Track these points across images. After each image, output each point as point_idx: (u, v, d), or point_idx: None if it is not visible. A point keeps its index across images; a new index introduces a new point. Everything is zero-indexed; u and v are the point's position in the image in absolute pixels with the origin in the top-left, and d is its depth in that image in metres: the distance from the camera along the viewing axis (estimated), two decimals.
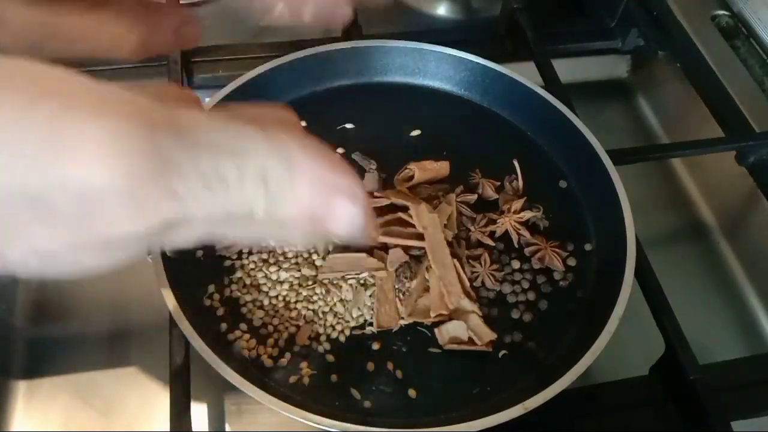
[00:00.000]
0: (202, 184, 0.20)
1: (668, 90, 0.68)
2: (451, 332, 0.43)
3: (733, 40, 0.70)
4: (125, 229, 0.20)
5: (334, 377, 0.42)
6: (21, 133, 0.18)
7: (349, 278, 0.45)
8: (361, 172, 0.51)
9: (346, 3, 0.36)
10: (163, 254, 0.42)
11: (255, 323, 0.44)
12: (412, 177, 0.50)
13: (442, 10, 0.73)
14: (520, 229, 0.48)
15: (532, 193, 0.51)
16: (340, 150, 0.52)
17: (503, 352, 0.43)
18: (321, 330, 0.44)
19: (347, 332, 0.44)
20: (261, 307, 0.44)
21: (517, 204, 0.49)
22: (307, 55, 0.54)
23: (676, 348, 0.43)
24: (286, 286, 0.45)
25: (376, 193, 0.49)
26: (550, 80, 0.58)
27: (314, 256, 0.46)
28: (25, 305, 0.50)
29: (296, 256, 0.46)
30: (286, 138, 0.22)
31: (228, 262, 0.46)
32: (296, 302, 0.44)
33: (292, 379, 0.41)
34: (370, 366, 0.42)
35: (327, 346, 0.43)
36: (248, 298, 0.45)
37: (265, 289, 0.45)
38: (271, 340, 0.43)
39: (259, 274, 0.45)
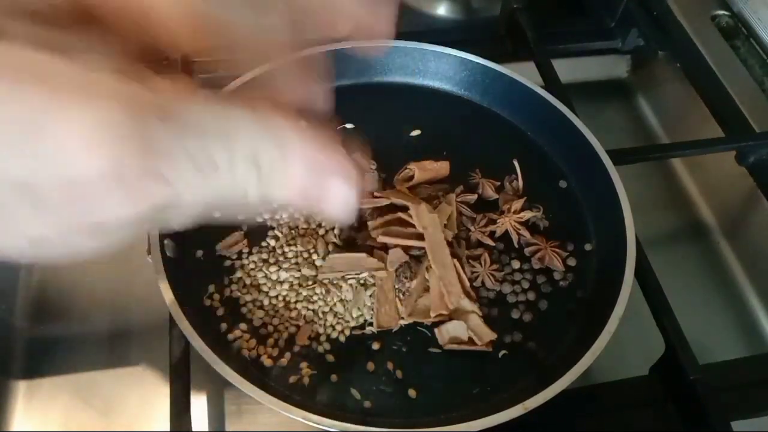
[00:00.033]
0: (192, 168, 0.20)
1: (668, 90, 0.68)
2: (451, 332, 0.43)
3: (733, 40, 0.70)
4: (115, 215, 0.20)
5: (334, 377, 0.42)
6: (4, 119, 0.17)
7: (349, 278, 0.45)
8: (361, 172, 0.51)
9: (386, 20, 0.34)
10: (163, 254, 0.42)
11: (255, 323, 0.44)
12: (412, 177, 0.50)
13: (442, 10, 0.73)
14: (520, 229, 0.48)
15: (532, 193, 0.51)
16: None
17: (503, 352, 0.43)
18: (321, 330, 0.44)
19: (347, 332, 0.44)
20: (261, 307, 0.44)
21: (517, 204, 0.49)
22: (306, 55, 0.54)
23: (676, 348, 0.43)
24: (286, 286, 0.45)
25: (376, 193, 0.49)
26: (550, 80, 0.59)
27: (314, 256, 0.46)
28: (25, 305, 0.50)
29: (296, 256, 0.46)
30: (278, 119, 0.22)
31: (228, 262, 0.46)
32: (296, 302, 0.44)
33: (292, 379, 0.41)
34: (370, 366, 0.42)
35: (327, 346, 0.43)
36: (248, 298, 0.45)
37: (265, 289, 0.45)
38: (271, 340, 0.43)
39: (259, 274, 0.45)
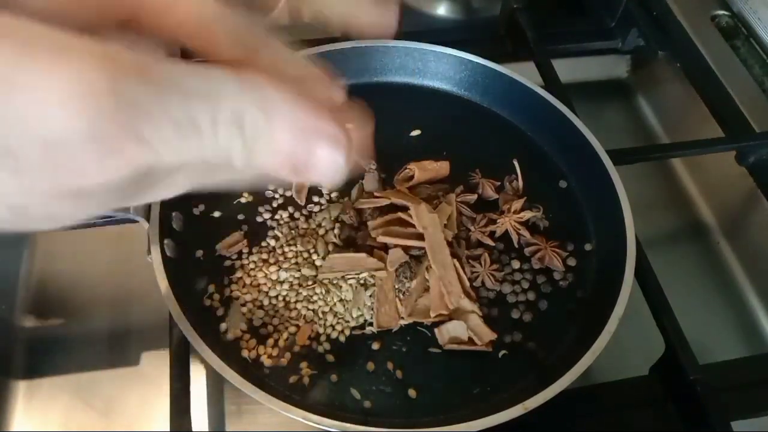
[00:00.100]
0: (173, 130, 0.19)
1: (668, 90, 0.68)
2: (451, 332, 0.43)
3: (733, 40, 0.70)
4: (96, 178, 0.19)
5: (334, 377, 0.42)
6: None
7: (349, 278, 0.45)
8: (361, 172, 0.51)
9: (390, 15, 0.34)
10: (163, 254, 0.42)
11: (255, 323, 0.44)
12: (412, 177, 0.50)
13: (442, 10, 0.73)
14: (520, 229, 0.48)
15: (532, 193, 0.51)
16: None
17: (503, 352, 0.43)
18: (321, 330, 0.44)
19: (347, 332, 0.44)
20: (261, 307, 0.44)
21: (517, 204, 0.49)
22: (307, 55, 0.54)
23: (676, 348, 0.43)
24: (286, 286, 0.45)
25: (376, 193, 0.49)
26: (550, 80, 0.59)
27: (314, 256, 0.46)
28: (25, 305, 0.50)
29: (296, 256, 0.46)
30: (262, 81, 0.21)
31: (228, 262, 0.46)
32: (296, 302, 0.44)
33: (292, 379, 0.41)
34: (370, 366, 0.42)
35: (327, 346, 0.43)
36: (248, 298, 0.45)
37: (265, 289, 0.45)
38: (271, 340, 0.43)
39: (259, 274, 0.45)
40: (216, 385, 0.46)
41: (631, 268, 0.43)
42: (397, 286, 0.45)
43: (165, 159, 0.19)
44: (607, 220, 0.48)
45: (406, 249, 0.46)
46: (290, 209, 0.49)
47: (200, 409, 0.45)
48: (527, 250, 0.48)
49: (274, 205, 0.50)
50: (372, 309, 0.44)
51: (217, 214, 0.48)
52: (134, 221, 0.44)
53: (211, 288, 0.45)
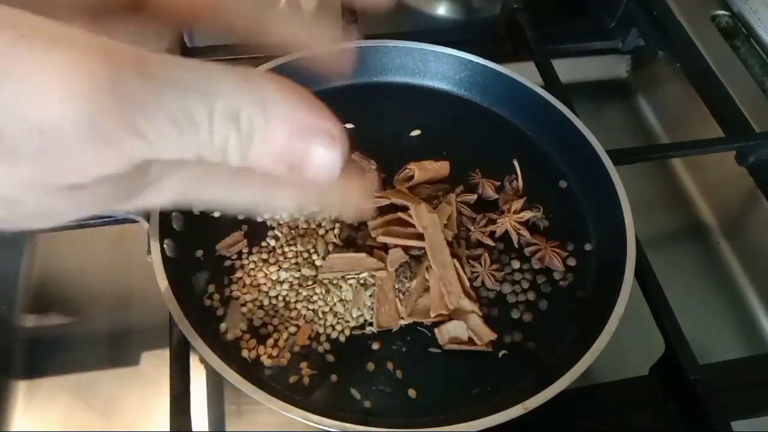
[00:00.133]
0: (169, 123, 0.19)
1: (668, 90, 0.68)
2: (451, 332, 0.43)
3: (733, 40, 0.70)
4: (90, 170, 0.19)
5: (334, 377, 0.42)
6: None
7: (349, 278, 0.45)
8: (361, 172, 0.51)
9: None
10: (163, 254, 0.42)
11: (255, 323, 0.44)
12: (412, 177, 0.50)
13: (442, 10, 0.73)
14: (520, 229, 0.48)
15: (532, 193, 0.51)
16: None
17: (503, 352, 0.43)
18: (321, 330, 0.44)
19: (347, 332, 0.44)
20: (261, 307, 0.44)
21: (517, 204, 0.49)
22: (307, 55, 0.54)
23: (676, 348, 0.43)
24: (286, 286, 0.45)
25: (376, 193, 0.49)
26: (550, 80, 0.59)
27: (314, 256, 0.46)
28: (25, 305, 0.50)
29: (296, 256, 0.46)
30: (259, 77, 0.21)
31: (228, 262, 0.46)
32: (296, 302, 0.44)
33: (292, 379, 0.41)
34: (370, 366, 0.42)
35: (327, 346, 0.43)
36: (248, 298, 0.45)
37: (265, 289, 0.45)
38: (271, 340, 0.43)
39: (259, 274, 0.45)
40: (216, 385, 0.46)
41: (631, 268, 0.43)
42: (397, 286, 0.45)
43: (161, 153, 0.19)
44: (607, 220, 0.48)
45: (406, 249, 0.46)
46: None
47: (200, 409, 0.45)
48: (527, 250, 0.48)
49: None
50: (372, 309, 0.44)
51: (217, 214, 0.48)
52: (134, 221, 0.44)
53: (211, 288, 0.45)
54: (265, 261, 0.46)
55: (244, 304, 0.44)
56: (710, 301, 0.55)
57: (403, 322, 0.44)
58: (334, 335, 0.43)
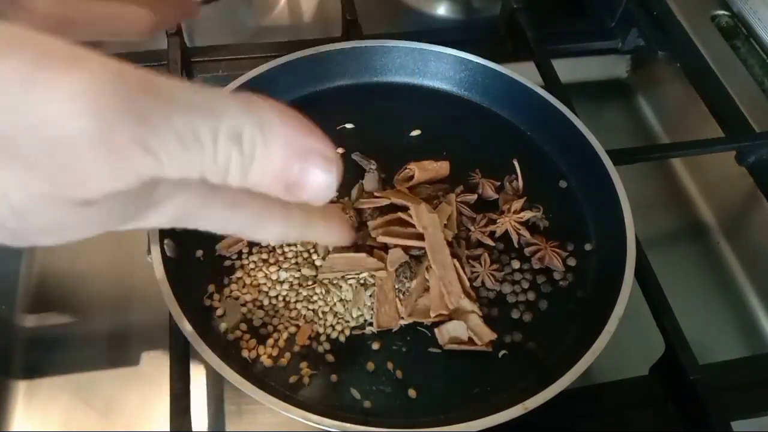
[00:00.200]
0: (176, 141, 0.20)
1: (668, 90, 0.68)
2: (451, 332, 0.43)
3: (733, 40, 0.70)
4: (100, 183, 0.20)
5: (334, 377, 0.42)
6: None
7: (349, 278, 0.45)
8: (361, 172, 0.51)
9: None
10: (163, 254, 0.42)
11: (255, 323, 0.44)
12: (412, 177, 0.50)
13: (442, 10, 0.73)
14: (520, 229, 0.48)
15: (532, 193, 0.51)
16: (340, 150, 0.52)
17: (503, 352, 0.43)
18: (321, 330, 0.44)
19: (347, 332, 0.44)
20: (261, 307, 0.44)
21: (517, 204, 0.49)
22: (307, 55, 0.54)
23: (676, 348, 0.43)
24: (286, 286, 0.45)
25: (376, 193, 0.49)
26: (550, 80, 0.58)
27: (314, 256, 0.46)
28: (25, 305, 0.50)
29: (296, 256, 0.46)
30: (261, 102, 0.22)
31: (228, 262, 0.46)
32: (296, 302, 0.44)
33: (292, 379, 0.41)
34: (370, 366, 0.42)
35: (327, 346, 0.43)
36: (248, 298, 0.45)
37: (265, 289, 0.45)
38: (271, 340, 0.43)
39: (259, 274, 0.45)
40: (216, 385, 0.46)
41: (631, 268, 0.43)
42: (397, 286, 0.45)
43: (167, 171, 0.20)
44: (607, 220, 0.48)
45: (406, 249, 0.46)
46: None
47: (200, 409, 0.45)
48: (527, 250, 0.48)
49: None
50: (372, 309, 0.44)
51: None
52: None
53: (211, 288, 0.45)
54: (265, 261, 0.46)
55: (244, 304, 0.44)
56: (710, 301, 0.55)
57: (403, 322, 0.44)
58: (334, 335, 0.43)
